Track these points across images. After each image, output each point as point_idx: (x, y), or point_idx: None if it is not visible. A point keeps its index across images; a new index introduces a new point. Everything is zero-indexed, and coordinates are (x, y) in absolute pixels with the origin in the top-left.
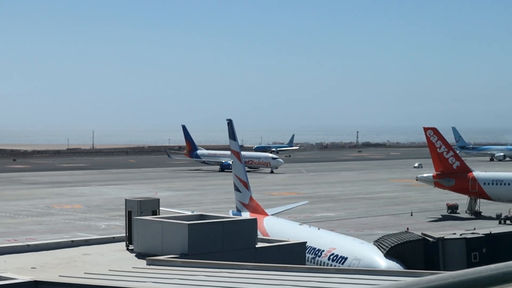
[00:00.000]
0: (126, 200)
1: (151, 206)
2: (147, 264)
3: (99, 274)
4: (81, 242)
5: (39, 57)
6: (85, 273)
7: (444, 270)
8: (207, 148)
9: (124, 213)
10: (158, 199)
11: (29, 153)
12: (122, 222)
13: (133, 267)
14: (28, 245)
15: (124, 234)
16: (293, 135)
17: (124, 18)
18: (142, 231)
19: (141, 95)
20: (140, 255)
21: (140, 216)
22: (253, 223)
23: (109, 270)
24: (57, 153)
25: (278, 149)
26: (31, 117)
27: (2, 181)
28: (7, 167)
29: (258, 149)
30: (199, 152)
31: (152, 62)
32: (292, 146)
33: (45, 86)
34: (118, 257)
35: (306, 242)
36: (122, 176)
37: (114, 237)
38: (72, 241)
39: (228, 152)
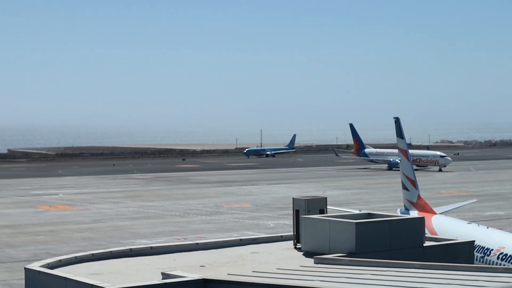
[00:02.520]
0: (293, 199)
1: (319, 204)
2: (315, 262)
3: (267, 272)
4: (249, 240)
5: (209, 64)
6: (253, 271)
7: None
8: (375, 146)
9: (291, 211)
10: (326, 198)
11: (198, 153)
12: (290, 221)
13: (300, 266)
14: (197, 243)
15: (292, 233)
16: (294, 135)
17: (295, 19)
18: (310, 230)
19: (308, 95)
20: (307, 254)
21: (308, 214)
22: (421, 221)
23: (277, 268)
24: (225, 152)
25: (273, 152)
26: (203, 118)
27: (172, 180)
28: (177, 166)
29: (249, 152)
30: (366, 150)
31: (317, 62)
32: (292, 148)
33: (216, 89)
34: (286, 255)
35: (474, 241)
36: (290, 175)
37: (282, 236)
38: (241, 239)
39: (396, 151)
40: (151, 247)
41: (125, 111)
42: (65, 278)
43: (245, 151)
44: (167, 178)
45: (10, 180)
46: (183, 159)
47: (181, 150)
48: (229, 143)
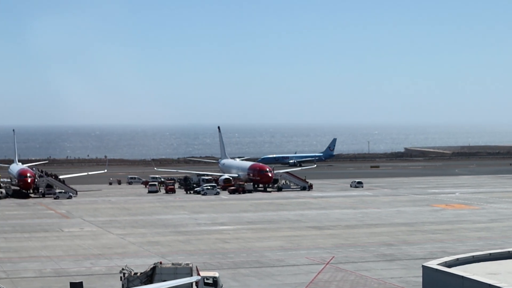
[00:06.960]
0: None
1: None
2: None
3: None
4: None
5: None
6: None
7: None
8: None
9: None
10: None
11: None
12: None
13: None
14: None
15: None
16: (333, 140)
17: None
18: None
19: None
20: None
21: None
22: None
23: None
24: None
25: (298, 160)
26: None
27: None
28: None
29: (264, 160)
30: None
31: None
32: (330, 156)
33: None
34: None
35: None
36: None
37: None
38: None
39: None
40: None
41: None
42: (462, 276)
43: (259, 159)
44: None
45: (407, 178)
46: None
47: None
48: None
